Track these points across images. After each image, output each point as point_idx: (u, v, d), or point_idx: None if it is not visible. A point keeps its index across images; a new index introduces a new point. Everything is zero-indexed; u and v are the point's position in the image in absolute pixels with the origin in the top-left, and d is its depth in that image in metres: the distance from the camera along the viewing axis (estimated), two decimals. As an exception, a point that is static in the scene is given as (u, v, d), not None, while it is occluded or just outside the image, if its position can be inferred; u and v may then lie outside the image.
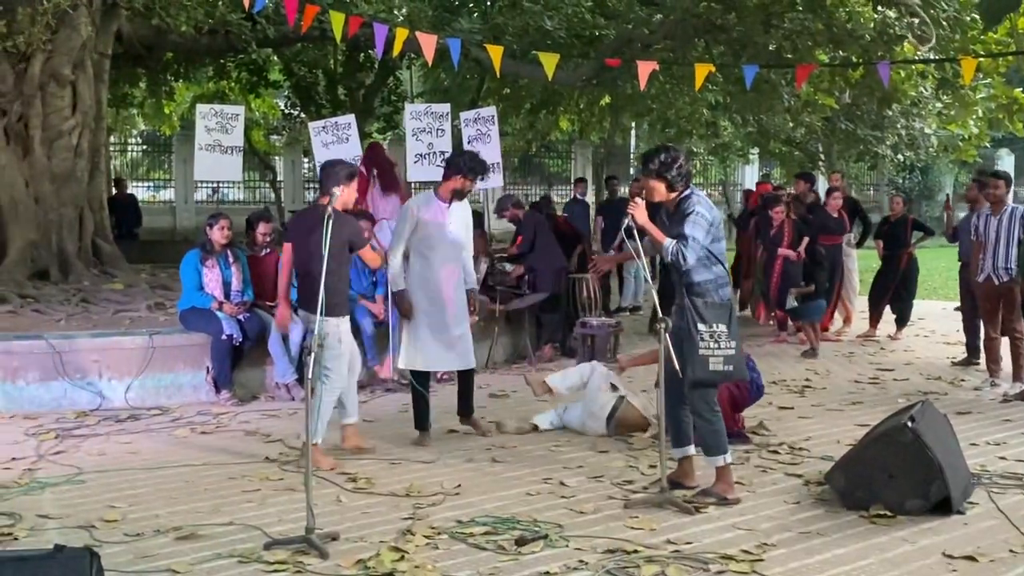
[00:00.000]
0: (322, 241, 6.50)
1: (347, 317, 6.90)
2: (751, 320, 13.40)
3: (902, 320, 12.54)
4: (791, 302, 11.45)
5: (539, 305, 10.95)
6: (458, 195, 7.23)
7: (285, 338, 8.78)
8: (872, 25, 12.47)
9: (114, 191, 19.57)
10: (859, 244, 13.29)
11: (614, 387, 7.63)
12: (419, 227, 7.15)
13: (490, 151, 11.21)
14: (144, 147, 32.52)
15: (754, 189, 16.12)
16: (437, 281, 7.18)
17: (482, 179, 7.64)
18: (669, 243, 5.74)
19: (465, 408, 7.61)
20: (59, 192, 11.89)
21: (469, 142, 11.25)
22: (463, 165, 7.20)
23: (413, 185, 19.97)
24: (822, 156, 21.69)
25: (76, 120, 12.01)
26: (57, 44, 11.46)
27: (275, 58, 21.45)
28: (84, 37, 11.76)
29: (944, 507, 5.53)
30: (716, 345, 5.73)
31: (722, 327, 5.74)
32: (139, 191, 27.15)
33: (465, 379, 7.57)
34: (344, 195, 6.60)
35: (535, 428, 7.66)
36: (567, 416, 7.69)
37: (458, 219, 7.28)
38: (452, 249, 7.22)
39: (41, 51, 11.27)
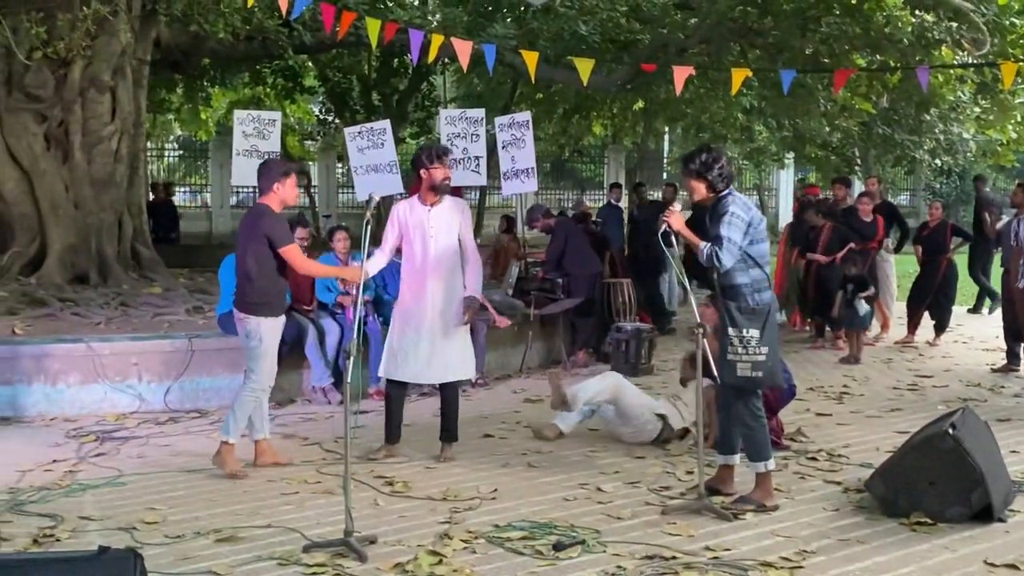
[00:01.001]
0: (244, 239, 6.55)
1: (273, 318, 6.62)
2: (786, 326, 13.32)
3: (941, 326, 12.42)
4: (863, 306, 11.15)
5: (573, 310, 10.93)
6: (438, 190, 6.81)
7: (322, 342, 8.83)
8: (910, 29, 12.38)
9: (151, 196, 19.82)
10: (897, 249, 13.18)
11: (660, 416, 7.50)
12: (403, 232, 6.89)
13: (524, 156, 11.22)
14: (181, 152, 32.78)
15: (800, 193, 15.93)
16: (419, 289, 6.82)
17: (446, 157, 6.96)
18: (704, 246, 5.71)
19: (446, 432, 7.07)
20: (98, 197, 12.01)
21: (503, 147, 11.27)
22: (420, 160, 6.86)
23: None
24: (859, 161, 21.55)
25: (115, 126, 12.12)
26: (97, 50, 11.56)
27: (310, 64, 21.58)
28: (123, 43, 11.87)
29: (985, 515, 5.49)
30: (744, 350, 5.69)
31: (753, 332, 5.69)
32: (176, 196, 27.33)
33: (446, 396, 7.07)
34: (281, 192, 6.56)
35: (561, 434, 7.52)
36: (602, 412, 7.56)
37: (443, 222, 6.82)
38: (436, 255, 6.79)
39: (81, 57, 11.37)
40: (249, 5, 11.45)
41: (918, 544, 5.21)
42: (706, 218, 5.97)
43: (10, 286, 10.90)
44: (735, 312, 5.71)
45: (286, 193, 6.61)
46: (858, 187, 18.98)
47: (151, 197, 17.49)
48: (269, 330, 6.60)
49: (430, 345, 6.81)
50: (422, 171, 6.84)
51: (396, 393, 7.10)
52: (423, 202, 6.88)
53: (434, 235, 6.80)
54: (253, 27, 12.88)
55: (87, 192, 11.93)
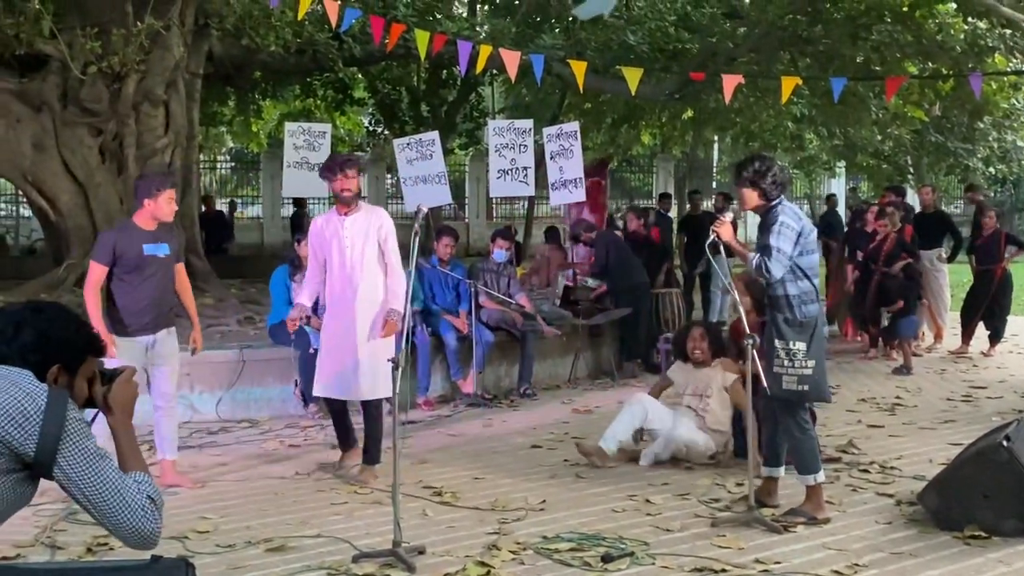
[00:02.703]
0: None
1: (125, 338, 6.35)
2: (838, 336, 13.19)
3: (996, 336, 12.24)
4: (884, 321, 11.18)
5: (622, 321, 10.91)
6: (344, 202, 6.69)
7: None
8: (963, 36, 12.25)
9: (203, 208, 20.29)
10: (950, 259, 13.02)
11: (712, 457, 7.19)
12: (322, 247, 6.80)
13: (573, 166, 11.23)
14: (232, 164, 33.15)
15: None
16: (338, 302, 6.70)
17: (350, 168, 6.73)
18: (753, 256, 5.66)
19: (367, 454, 6.83)
20: (152, 209, 12.16)
21: (551, 157, 11.28)
22: (324, 172, 6.79)
23: (495, 201, 20.25)
24: (911, 169, 21.34)
25: (169, 139, 12.28)
26: (150, 64, 11.73)
27: (360, 76, 21.75)
28: (176, 57, 12.03)
29: (1042, 529, 5.40)
30: (790, 363, 5.64)
31: (800, 345, 5.63)
32: (228, 207, 27.61)
33: (369, 414, 6.80)
34: (152, 208, 6.37)
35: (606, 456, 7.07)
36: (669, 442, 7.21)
37: (359, 232, 6.68)
38: (352, 265, 6.65)
39: (135, 71, 11.54)
40: (299, 18, 11.57)
41: (972, 558, 5.13)
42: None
43: (65, 297, 11.06)
44: (782, 324, 5.66)
45: (158, 209, 6.40)
46: (911, 196, 18.80)
47: (202, 209, 17.77)
48: (123, 349, 6.31)
49: (354, 360, 6.63)
50: (328, 184, 6.81)
51: (338, 408, 6.93)
52: (337, 213, 6.81)
53: (349, 245, 6.67)
54: (304, 40, 13.01)
55: (141, 204, 12.09)
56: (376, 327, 6.65)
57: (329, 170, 6.75)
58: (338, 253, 6.71)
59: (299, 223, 18.36)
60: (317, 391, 6.95)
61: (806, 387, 5.67)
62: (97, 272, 6.38)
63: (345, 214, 6.75)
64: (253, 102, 21.71)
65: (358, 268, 6.67)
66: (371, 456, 6.82)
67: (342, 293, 6.70)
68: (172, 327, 6.71)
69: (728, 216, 5.91)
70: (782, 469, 6.07)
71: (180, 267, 6.79)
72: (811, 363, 5.64)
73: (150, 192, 6.41)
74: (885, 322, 11.26)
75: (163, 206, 6.43)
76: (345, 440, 7.05)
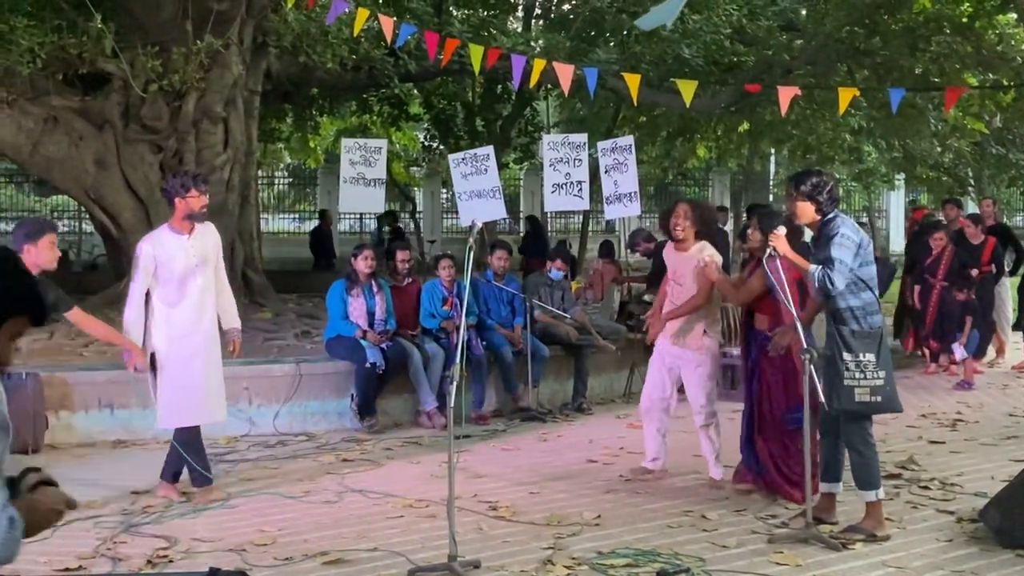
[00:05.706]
0: None
1: None
2: (899, 350, 13.01)
3: (1059, 351, 12.01)
4: (960, 352, 11.01)
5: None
6: (195, 219, 6.45)
7: (427, 367, 8.93)
8: (1024, 47, 12.08)
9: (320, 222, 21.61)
10: (1012, 273, 12.79)
11: None
12: (158, 268, 6.40)
13: (627, 180, 11.19)
14: (290, 180, 33.49)
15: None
16: (191, 323, 6.43)
17: (204, 185, 6.53)
18: (814, 269, 5.63)
19: (202, 475, 6.60)
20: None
21: (606, 171, 11.26)
22: (174, 187, 6.42)
23: (550, 215, 20.35)
24: (972, 181, 21.03)
25: (228, 155, 12.43)
26: (210, 82, 11.89)
27: (415, 92, 21.88)
28: (235, 75, 12.19)
29: (1109, 548, 5.29)
30: (862, 375, 5.58)
31: (870, 356, 5.58)
32: (285, 223, 27.96)
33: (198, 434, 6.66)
34: (33, 256, 5.75)
35: None
36: None
37: (204, 250, 6.49)
38: (203, 284, 6.47)
39: (195, 89, 11.70)
40: (355, 35, 11.68)
41: (1037, 577, 5.05)
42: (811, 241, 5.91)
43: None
44: (848, 337, 5.61)
45: (39, 256, 5.82)
46: (971, 208, 18.52)
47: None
48: None
49: (206, 381, 6.52)
50: (177, 200, 6.42)
51: (194, 436, 6.61)
52: (178, 231, 6.47)
53: (197, 263, 6.45)
54: (360, 57, 13.13)
55: (200, 220, 12.24)
56: (221, 346, 6.64)
57: (183, 187, 6.42)
58: (185, 274, 6.43)
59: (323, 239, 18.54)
60: (182, 421, 6.51)
61: (879, 398, 5.62)
62: None
63: (189, 233, 6.48)
64: (310, 118, 21.92)
65: (209, 288, 6.51)
66: (207, 476, 6.66)
67: (192, 316, 6.44)
68: None
69: (781, 229, 5.88)
70: (840, 485, 6.01)
71: None
72: (882, 373, 5.60)
73: (23, 240, 5.88)
74: (965, 353, 11.02)
75: (44, 253, 5.92)
76: (209, 470, 6.68)
